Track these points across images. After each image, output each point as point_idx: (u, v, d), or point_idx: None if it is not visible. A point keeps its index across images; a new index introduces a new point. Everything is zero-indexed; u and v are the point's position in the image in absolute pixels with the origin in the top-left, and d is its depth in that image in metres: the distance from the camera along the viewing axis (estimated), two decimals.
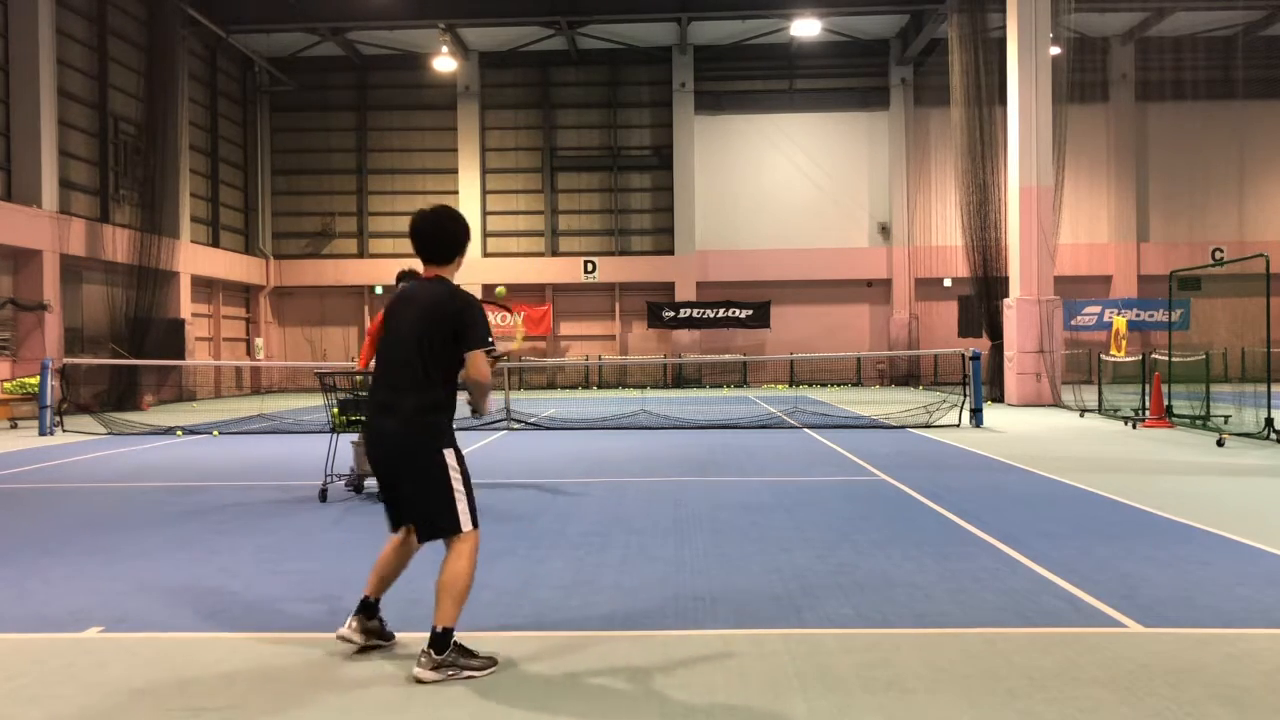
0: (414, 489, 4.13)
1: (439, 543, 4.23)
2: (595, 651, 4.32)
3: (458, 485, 4.15)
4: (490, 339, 4.13)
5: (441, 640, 4.01)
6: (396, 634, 4.50)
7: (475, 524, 4.20)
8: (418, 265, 4.46)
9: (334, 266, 33.09)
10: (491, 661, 4.12)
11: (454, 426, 4.24)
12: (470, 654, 4.09)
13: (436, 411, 4.16)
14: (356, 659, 4.24)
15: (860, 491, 8.88)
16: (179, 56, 25.88)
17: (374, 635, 4.34)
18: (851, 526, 7.15)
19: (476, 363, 4.09)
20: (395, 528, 4.34)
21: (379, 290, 32.39)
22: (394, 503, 4.26)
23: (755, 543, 6.59)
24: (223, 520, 7.72)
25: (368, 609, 4.32)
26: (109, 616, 4.93)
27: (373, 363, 9.07)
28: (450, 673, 3.99)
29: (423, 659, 4.00)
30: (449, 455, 4.14)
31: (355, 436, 8.92)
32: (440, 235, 4.28)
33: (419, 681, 3.96)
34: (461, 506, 4.14)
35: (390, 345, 4.22)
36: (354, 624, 4.29)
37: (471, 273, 32.72)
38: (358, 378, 9.11)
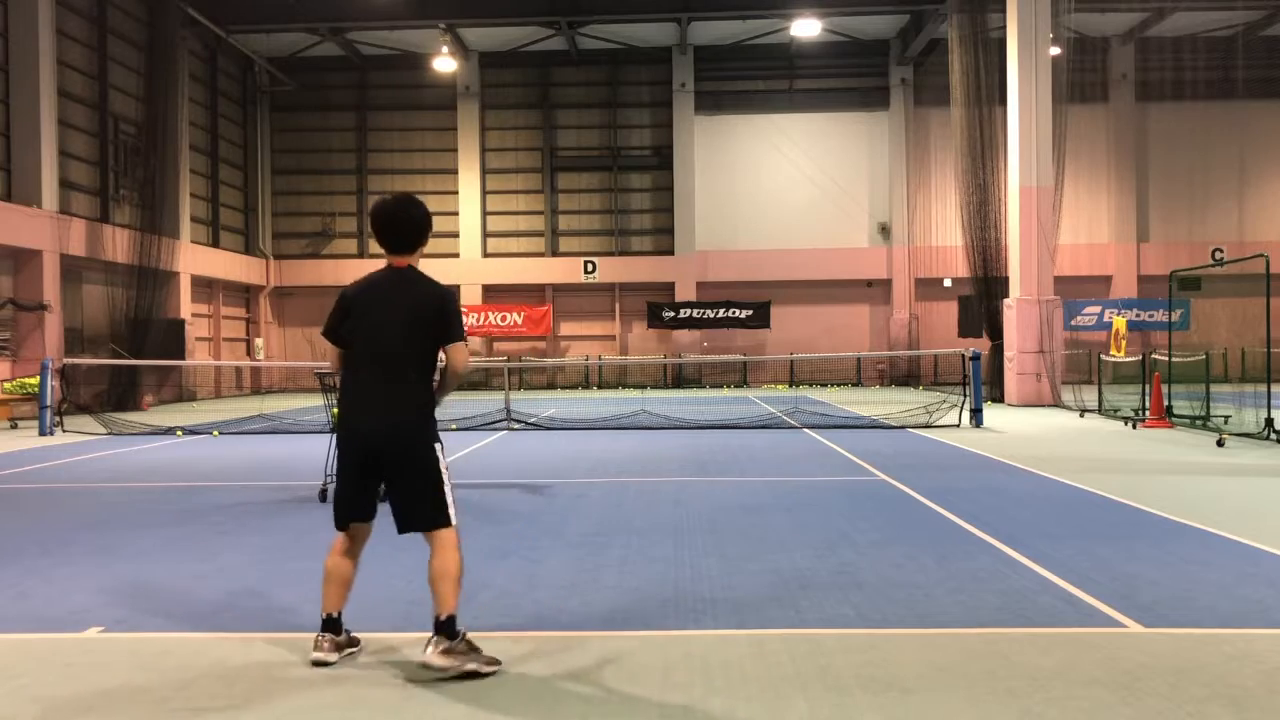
0: (409, 482, 4.09)
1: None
2: (595, 651, 4.31)
3: (448, 479, 4.16)
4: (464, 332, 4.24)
5: (450, 627, 3.98)
6: (398, 634, 4.54)
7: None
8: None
9: (334, 267, 33.05)
10: (496, 661, 4.07)
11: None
12: (477, 650, 4.06)
13: (429, 405, 4.20)
14: (355, 659, 4.24)
15: (860, 491, 8.88)
16: (179, 56, 25.87)
17: (345, 646, 4.24)
18: (851, 526, 7.15)
19: (458, 355, 4.16)
20: (355, 520, 4.20)
21: None
22: (366, 493, 4.19)
23: (755, 543, 6.59)
24: (223, 520, 7.72)
25: (333, 625, 4.19)
26: (109, 616, 4.93)
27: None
28: (460, 659, 3.97)
29: (433, 646, 3.97)
30: (439, 449, 4.18)
31: None
32: (408, 222, 4.25)
33: (428, 666, 3.96)
34: (450, 500, 4.15)
35: (376, 339, 4.15)
36: (326, 644, 4.15)
37: (472, 273, 32.78)
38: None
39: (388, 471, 4.11)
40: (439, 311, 4.14)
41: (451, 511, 4.12)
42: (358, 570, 4.28)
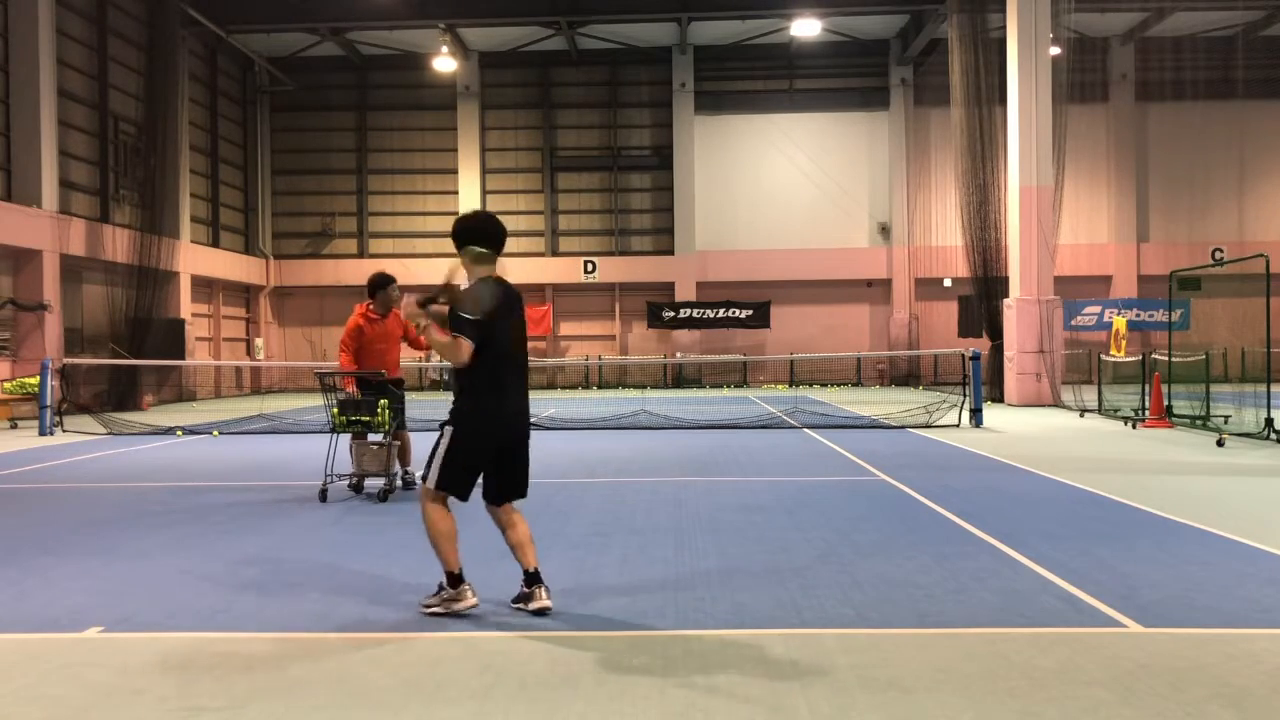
0: (524, 459, 5.03)
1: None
2: (595, 651, 4.32)
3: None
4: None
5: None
6: (401, 634, 4.57)
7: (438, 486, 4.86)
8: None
9: (334, 266, 33.09)
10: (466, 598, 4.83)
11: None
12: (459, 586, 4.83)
13: None
14: (355, 659, 4.25)
15: (860, 491, 8.88)
16: (179, 56, 25.87)
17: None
18: (851, 526, 7.15)
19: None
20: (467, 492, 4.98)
21: None
22: (493, 476, 4.98)
23: (755, 543, 6.59)
24: (223, 520, 7.72)
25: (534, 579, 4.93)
26: (109, 616, 4.93)
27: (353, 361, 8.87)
28: (441, 606, 4.81)
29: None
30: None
31: (378, 437, 8.79)
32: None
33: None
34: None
35: (519, 349, 4.97)
36: (543, 594, 4.89)
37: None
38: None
39: (517, 451, 4.96)
40: None
41: None
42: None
